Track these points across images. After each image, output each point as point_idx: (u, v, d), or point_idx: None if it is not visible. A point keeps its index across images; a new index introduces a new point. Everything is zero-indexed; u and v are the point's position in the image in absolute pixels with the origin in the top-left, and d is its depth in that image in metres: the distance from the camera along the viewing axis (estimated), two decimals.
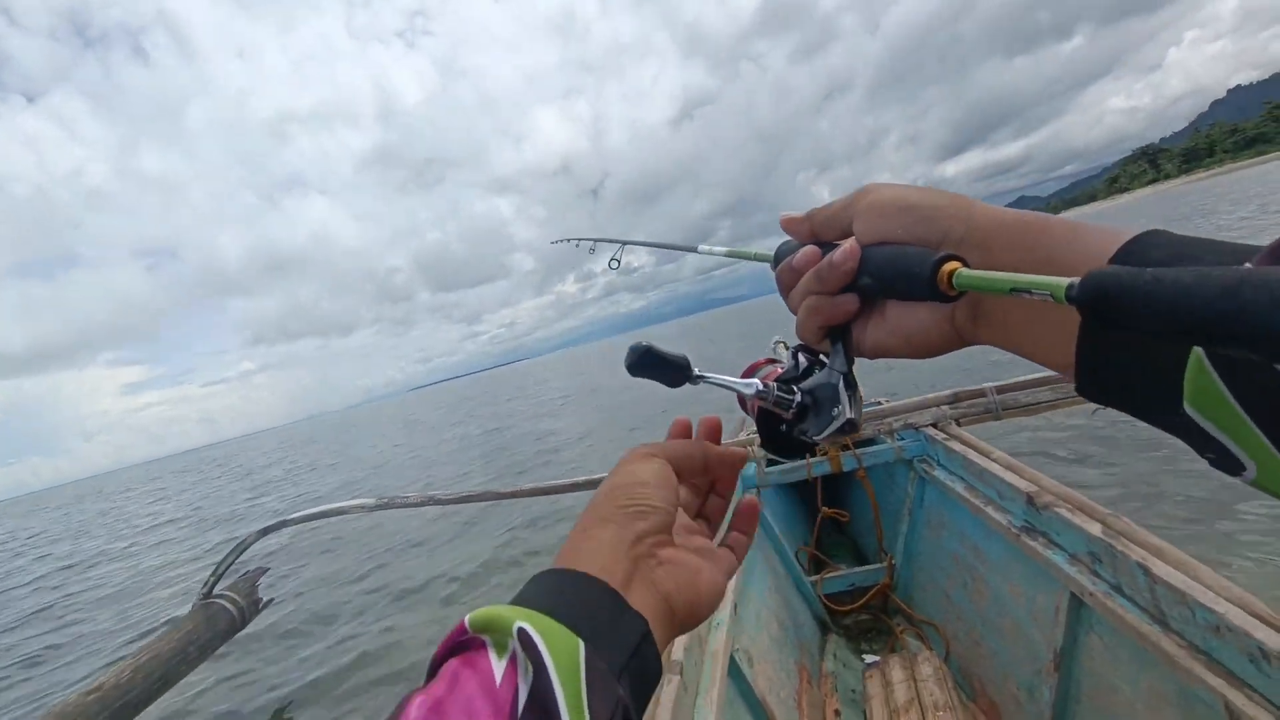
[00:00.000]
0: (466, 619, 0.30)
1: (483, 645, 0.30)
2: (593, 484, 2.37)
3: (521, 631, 0.29)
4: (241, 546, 2.23)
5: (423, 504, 2.49)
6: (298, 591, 6.40)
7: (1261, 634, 1.08)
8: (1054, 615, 1.63)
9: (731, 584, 1.91)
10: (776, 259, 0.52)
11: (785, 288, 0.49)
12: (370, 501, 2.42)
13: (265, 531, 2.30)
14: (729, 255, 0.79)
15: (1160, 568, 1.32)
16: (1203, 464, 0.31)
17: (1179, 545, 1.37)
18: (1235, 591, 1.20)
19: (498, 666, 0.28)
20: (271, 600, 2.33)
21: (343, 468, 19.64)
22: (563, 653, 0.29)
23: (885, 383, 8.55)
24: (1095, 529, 1.51)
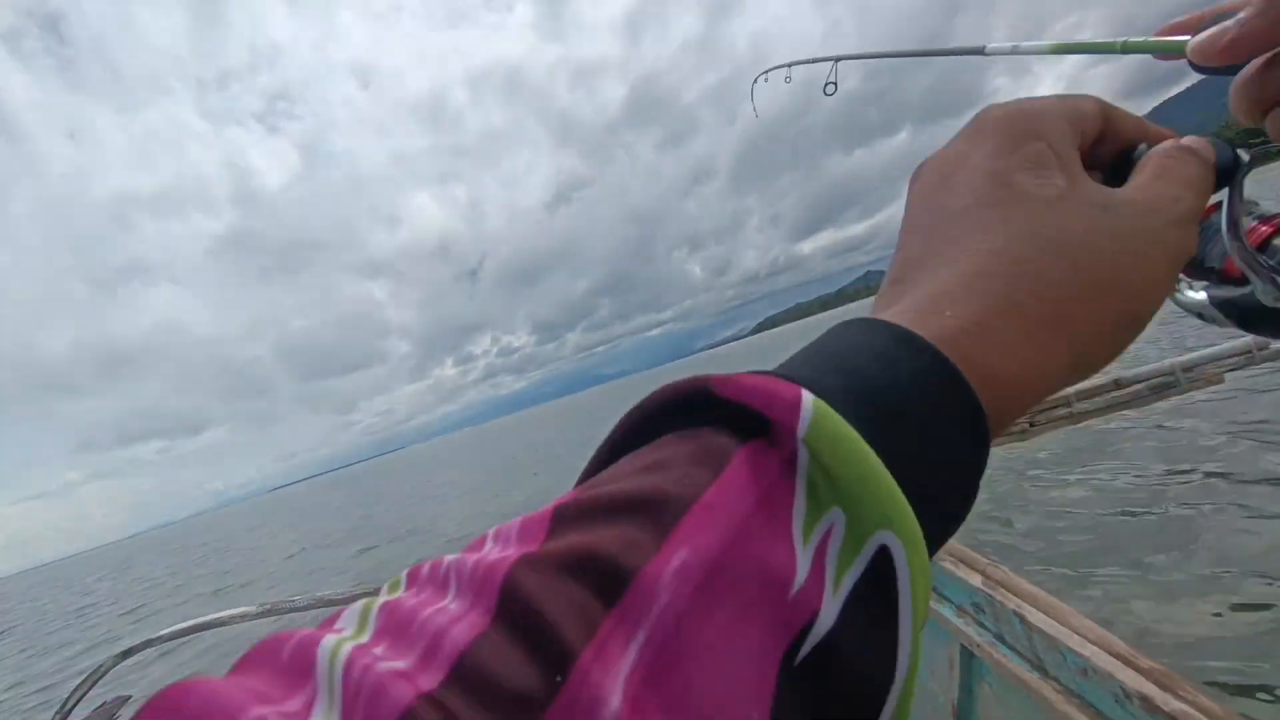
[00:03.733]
0: (805, 423, 0.19)
1: (790, 483, 0.19)
2: None
3: (882, 551, 0.19)
4: (97, 674, 1.96)
5: (312, 606, 2.30)
6: None
7: (1122, 675, 1.16)
8: (948, 668, 1.70)
9: None
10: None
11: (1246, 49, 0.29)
12: (252, 609, 2.21)
13: (127, 654, 2.04)
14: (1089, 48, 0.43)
15: (1034, 615, 1.41)
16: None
17: (1055, 591, 1.47)
18: (1098, 633, 1.29)
19: (799, 544, 0.18)
20: None
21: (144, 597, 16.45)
22: (920, 581, 0.19)
23: None
24: (977, 580, 1.60)
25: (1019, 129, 0.28)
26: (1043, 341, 0.24)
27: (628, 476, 0.20)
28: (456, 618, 0.17)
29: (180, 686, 0.15)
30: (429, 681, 0.15)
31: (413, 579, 0.20)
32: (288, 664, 0.16)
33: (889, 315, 0.24)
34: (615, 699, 0.15)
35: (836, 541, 0.18)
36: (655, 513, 0.18)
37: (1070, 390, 1.95)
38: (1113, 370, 2.13)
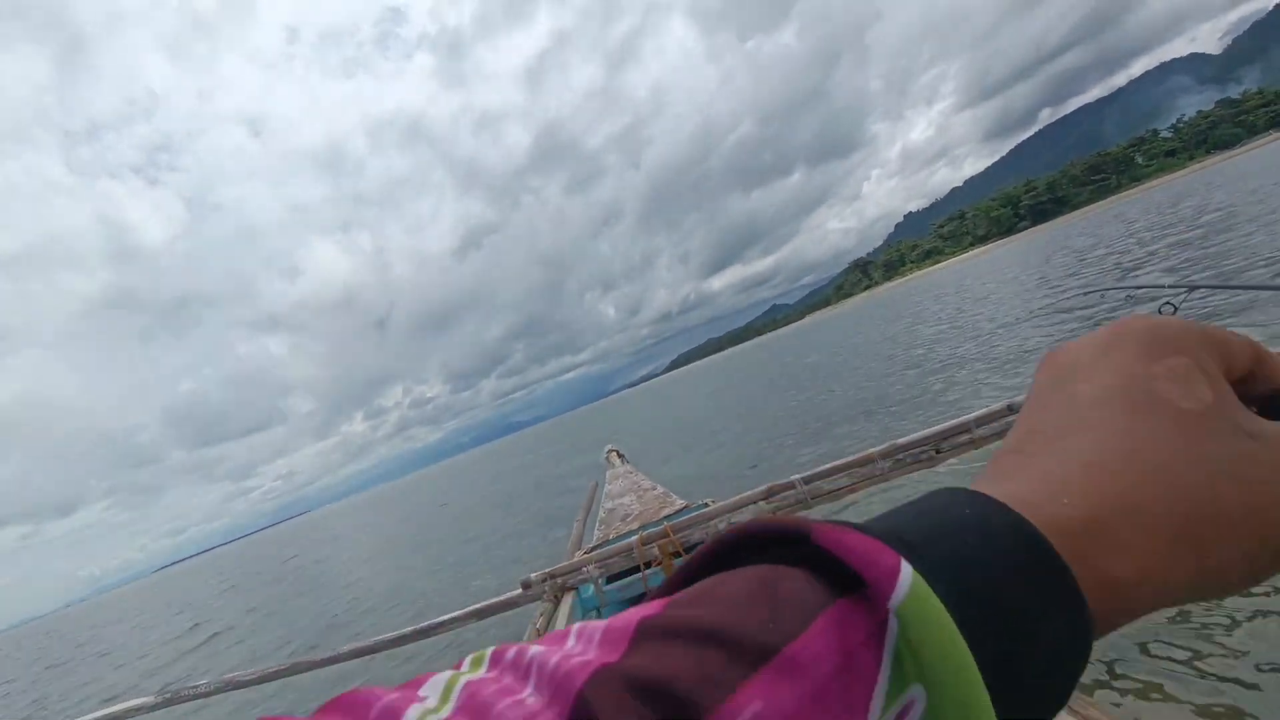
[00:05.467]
0: (900, 593, 0.20)
1: (877, 650, 0.20)
2: (424, 633, 2.20)
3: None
4: None
5: (218, 691, 2.13)
6: None
7: None
8: None
9: None
10: None
11: None
12: (149, 700, 2.02)
13: None
14: None
15: None
16: None
17: None
18: None
19: (876, 715, 0.19)
20: None
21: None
22: None
23: (701, 488, 8.94)
24: None
25: (1163, 340, 0.25)
26: (1164, 552, 0.22)
27: (716, 602, 0.20)
28: (532, 714, 0.18)
29: None
30: None
31: (496, 661, 0.20)
32: None
33: (1000, 492, 0.22)
34: None
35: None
36: (737, 651, 0.18)
37: (970, 416, 2.11)
38: (1006, 398, 2.30)
